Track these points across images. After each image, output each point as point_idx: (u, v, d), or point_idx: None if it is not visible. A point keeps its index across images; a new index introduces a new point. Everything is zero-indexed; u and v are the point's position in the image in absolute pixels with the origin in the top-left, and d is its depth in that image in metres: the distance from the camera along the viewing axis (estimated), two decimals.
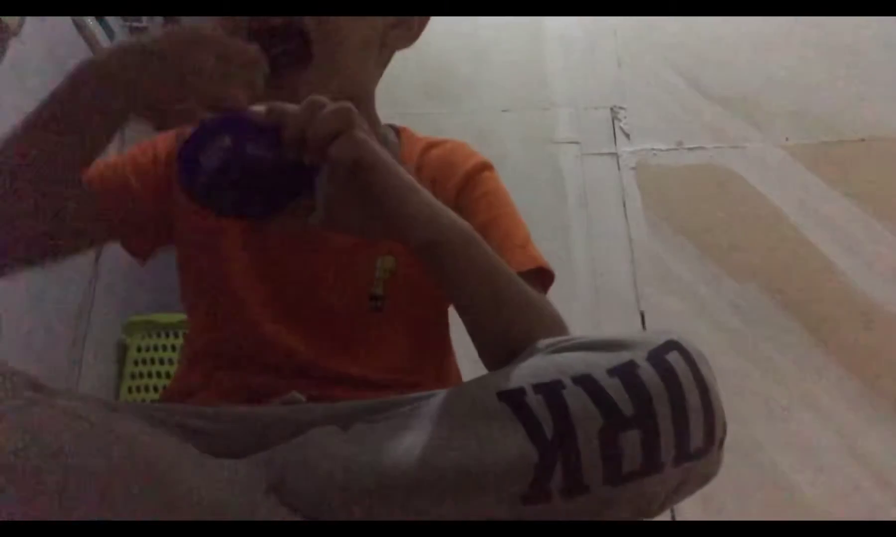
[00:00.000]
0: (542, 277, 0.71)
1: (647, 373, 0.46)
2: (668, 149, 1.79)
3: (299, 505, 0.47)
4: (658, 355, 0.47)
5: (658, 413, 0.45)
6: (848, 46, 1.84)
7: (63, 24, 1.67)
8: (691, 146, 1.78)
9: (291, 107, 0.53)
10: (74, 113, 0.61)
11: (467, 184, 0.76)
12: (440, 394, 0.51)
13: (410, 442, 0.47)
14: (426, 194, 0.57)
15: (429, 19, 0.78)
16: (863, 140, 1.73)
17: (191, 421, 0.56)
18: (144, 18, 2.03)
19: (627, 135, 1.81)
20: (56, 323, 1.61)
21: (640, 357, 0.47)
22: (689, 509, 1.39)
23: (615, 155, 1.79)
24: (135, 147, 0.78)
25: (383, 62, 0.79)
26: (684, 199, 1.73)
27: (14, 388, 0.44)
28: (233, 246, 0.72)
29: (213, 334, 0.71)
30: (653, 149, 1.79)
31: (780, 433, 1.48)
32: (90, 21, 1.74)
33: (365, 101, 0.77)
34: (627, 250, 1.68)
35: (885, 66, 1.80)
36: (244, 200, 0.56)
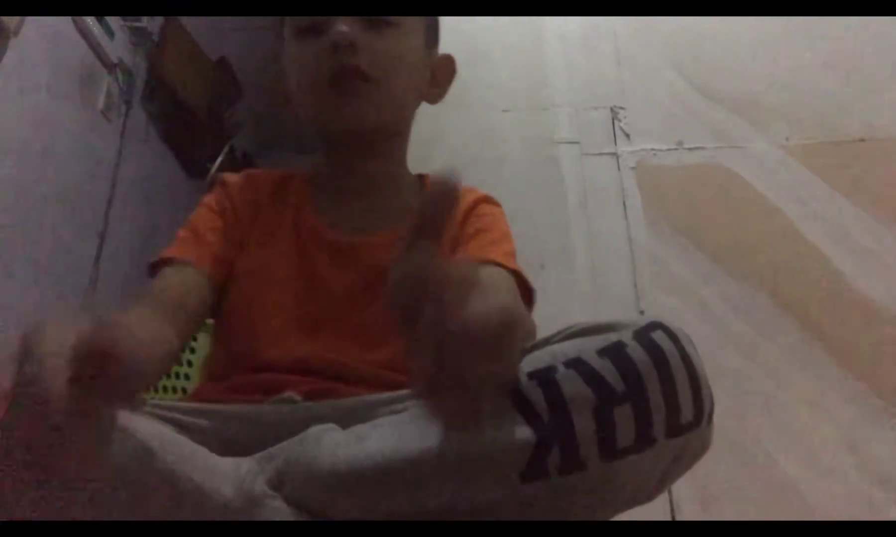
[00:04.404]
0: (523, 288, 0.75)
1: (635, 350, 0.48)
2: (668, 149, 1.78)
3: (301, 501, 0.47)
4: (644, 334, 0.49)
5: (648, 387, 0.46)
6: (847, 46, 1.84)
7: (63, 24, 1.67)
8: (691, 146, 1.78)
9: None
10: None
11: (475, 208, 0.82)
12: None
13: (409, 432, 0.48)
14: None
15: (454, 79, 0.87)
16: (862, 140, 1.73)
17: (190, 419, 0.57)
18: (144, 18, 2.03)
19: (627, 136, 1.81)
20: None
21: (626, 336, 0.49)
22: (689, 509, 1.39)
23: (615, 155, 1.79)
24: (187, 232, 0.80)
25: (417, 103, 0.86)
26: (684, 199, 1.73)
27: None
28: (286, 269, 0.76)
29: (248, 346, 0.72)
30: (653, 150, 1.79)
31: (780, 433, 1.48)
32: (90, 21, 1.74)
33: (404, 141, 0.86)
34: (627, 250, 1.68)
35: (885, 67, 1.80)
36: None
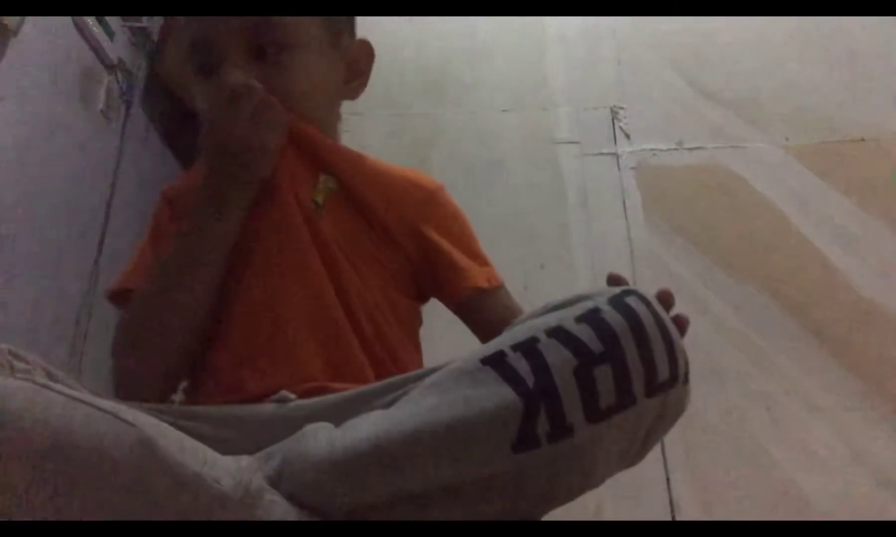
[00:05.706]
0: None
1: (611, 314, 0.51)
2: (668, 149, 1.79)
3: (299, 495, 0.48)
4: (618, 299, 0.53)
5: (624, 347, 0.49)
6: (847, 46, 1.84)
7: (63, 24, 1.67)
8: (691, 146, 1.78)
9: None
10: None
11: (432, 200, 0.82)
12: (428, 376, 0.54)
13: (402, 415, 0.50)
14: None
15: (373, 63, 0.86)
16: (862, 140, 1.74)
17: (185, 422, 0.57)
18: (144, 18, 2.03)
19: (627, 136, 1.81)
20: (56, 322, 1.61)
21: (602, 302, 0.52)
22: (689, 509, 1.39)
23: (615, 155, 1.79)
24: (146, 242, 0.83)
25: (337, 104, 0.86)
26: (684, 199, 1.73)
27: (29, 373, 0.46)
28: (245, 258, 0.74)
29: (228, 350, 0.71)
30: (653, 150, 1.79)
31: (780, 433, 1.48)
32: (90, 21, 1.74)
33: (329, 129, 0.83)
34: (627, 250, 1.68)
35: (884, 67, 1.80)
36: None
